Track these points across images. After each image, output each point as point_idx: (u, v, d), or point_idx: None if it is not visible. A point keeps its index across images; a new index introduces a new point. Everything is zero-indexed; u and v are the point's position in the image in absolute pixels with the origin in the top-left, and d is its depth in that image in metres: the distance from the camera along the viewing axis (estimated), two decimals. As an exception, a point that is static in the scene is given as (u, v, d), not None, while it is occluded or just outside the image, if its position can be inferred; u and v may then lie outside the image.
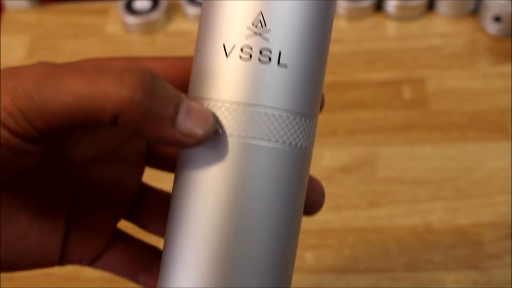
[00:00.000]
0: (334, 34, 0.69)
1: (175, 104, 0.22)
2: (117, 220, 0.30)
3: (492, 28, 0.60)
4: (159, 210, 0.29)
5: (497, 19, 0.60)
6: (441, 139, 0.54)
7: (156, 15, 0.64)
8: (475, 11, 0.62)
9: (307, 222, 0.50)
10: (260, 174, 0.23)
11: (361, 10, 0.63)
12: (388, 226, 0.49)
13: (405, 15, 0.63)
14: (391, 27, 0.63)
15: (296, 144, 0.24)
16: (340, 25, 0.63)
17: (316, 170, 0.54)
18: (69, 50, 0.63)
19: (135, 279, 0.30)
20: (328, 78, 0.59)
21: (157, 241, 0.30)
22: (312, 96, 0.24)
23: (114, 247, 0.30)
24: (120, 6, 0.65)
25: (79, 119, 0.22)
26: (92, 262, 0.29)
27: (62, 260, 0.28)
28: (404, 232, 0.49)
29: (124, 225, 0.30)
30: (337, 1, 0.62)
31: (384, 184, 0.52)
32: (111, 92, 0.21)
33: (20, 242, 0.26)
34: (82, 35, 0.65)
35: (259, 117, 0.23)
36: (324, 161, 0.53)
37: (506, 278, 0.46)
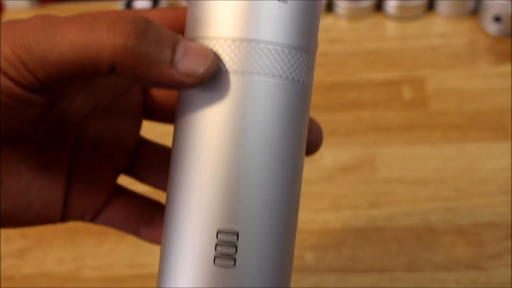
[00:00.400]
0: (334, 34, 0.69)
1: (172, 45, 0.22)
2: (117, 174, 0.30)
3: (492, 28, 0.60)
4: (158, 162, 0.30)
5: (497, 19, 0.60)
6: (441, 139, 0.54)
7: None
8: (475, 11, 0.62)
9: (307, 222, 0.50)
10: (263, 109, 0.23)
11: (361, 10, 0.63)
12: (388, 226, 0.49)
13: (405, 15, 0.63)
14: (391, 27, 0.63)
15: (298, 80, 0.24)
16: (340, 25, 0.63)
17: (316, 170, 0.54)
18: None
19: (136, 233, 0.30)
20: (328, 78, 0.59)
21: (156, 195, 0.30)
22: (311, 31, 0.25)
23: (115, 201, 0.30)
24: (120, 6, 0.65)
25: (78, 68, 0.22)
26: (93, 217, 0.30)
27: (64, 215, 0.29)
28: (404, 232, 0.49)
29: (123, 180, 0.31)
30: (340, 1, 0.62)
31: (384, 184, 0.52)
32: (105, 40, 0.22)
33: (23, 195, 0.27)
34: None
35: (261, 52, 0.23)
36: (324, 161, 0.53)
37: (506, 278, 0.46)
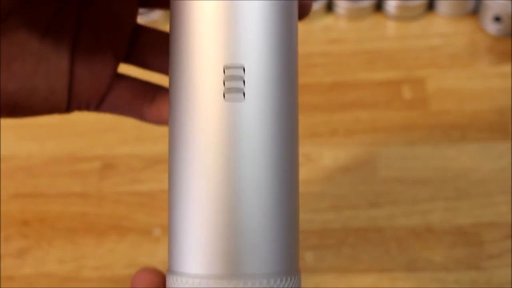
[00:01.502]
0: (334, 34, 0.69)
1: None
2: (118, 59, 0.31)
3: (492, 28, 0.60)
4: (157, 45, 0.30)
5: (497, 19, 0.60)
6: (441, 139, 0.54)
7: (155, 15, 0.64)
8: (475, 11, 0.62)
9: (307, 222, 0.50)
10: None
11: (361, 10, 0.63)
12: (388, 226, 0.49)
13: (405, 15, 0.63)
14: (391, 27, 0.63)
15: None
16: (340, 25, 0.63)
17: (316, 170, 0.54)
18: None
19: (140, 116, 0.31)
20: (328, 78, 0.59)
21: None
22: None
23: (117, 86, 0.31)
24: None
25: None
26: (98, 105, 0.30)
27: (70, 104, 0.29)
28: (404, 232, 0.49)
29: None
30: (340, 1, 0.62)
31: (384, 184, 0.52)
32: None
33: (28, 79, 0.27)
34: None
35: None
36: (324, 161, 0.53)
37: (506, 278, 0.46)
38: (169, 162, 0.26)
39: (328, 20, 0.64)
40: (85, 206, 0.52)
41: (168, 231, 0.26)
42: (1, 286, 0.49)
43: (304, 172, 0.53)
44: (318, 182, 0.52)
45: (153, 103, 0.31)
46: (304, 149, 0.54)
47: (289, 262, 0.25)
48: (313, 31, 0.63)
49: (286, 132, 0.24)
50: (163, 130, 0.63)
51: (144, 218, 0.51)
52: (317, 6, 0.63)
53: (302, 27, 0.66)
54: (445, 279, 0.46)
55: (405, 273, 0.47)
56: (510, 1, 0.58)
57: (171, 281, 0.25)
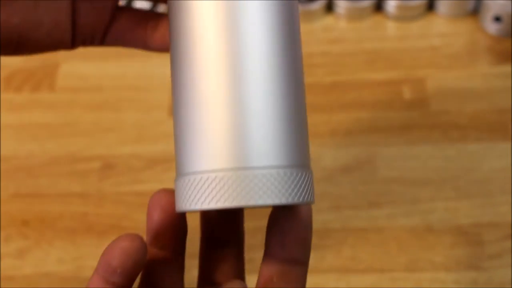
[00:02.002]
0: (334, 34, 0.69)
1: None
2: None
3: (492, 28, 0.60)
4: None
5: (497, 19, 0.60)
6: (441, 139, 0.54)
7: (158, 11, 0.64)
8: (475, 11, 0.62)
9: (307, 222, 0.50)
10: None
11: (361, 10, 0.63)
12: (388, 226, 0.49)
13: (405, 15, 0.63)
14: (391, 27, 0.63)
15: None
16: (340, 25, 0.63)
17: (316, 170, 0.54)
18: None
19: (144, 45, 0.31)
20: (328, 78, 0.59)
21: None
22: None
23: (120, 17, 0.31)
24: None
25: None
26: (102, 38, 0.30)
27: (74, 39, 0.30)
28: (404, 232, 0.49)
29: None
30: (340, 1, 0.62)
31: (384, 184, 0.52)
32: None
33: (32, 11, 0.27)
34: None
35: None
36: (324, 161, 0.53)
37: (506, 278, 0.46)
38: (172, 61, 0.26)
39: (328, 20, 0.64)
40: (85, 206, 0.52)
41: (174, 138, 0.25)
42: (1, 286, 0.49)
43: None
44: (318, 182, 0.52)
45: (156, 30, 0.31)
46: (304, 149, 0.54)
47: (300, 158, 0.24)
48: (313, 31, 0.63)
49: (288, 26, 0.25)
50: (163, 130, 0.63)
51: (144, 218, 0.51)
52: (317, 6, 0.63)
53: (302, 27, 0.66)
54: (445, 279, 0.46)
55: (405, 273, 0.47)
56: (510, 1, 0.58)
57: (181, 182, 0.24)
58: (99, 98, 0.59)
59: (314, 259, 0.48)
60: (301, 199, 0.24)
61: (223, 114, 0.23)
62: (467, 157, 0.53)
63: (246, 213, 0.31)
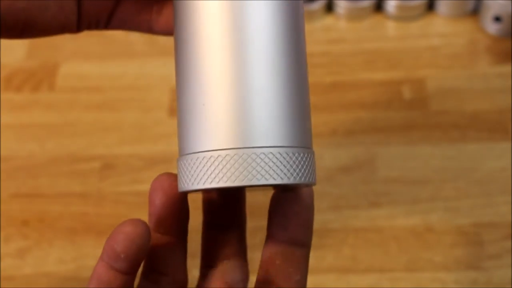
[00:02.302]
0: (334, 34, 0.69)
1: None
2: None
3: (492, 28, 0.60)
4: None
5: (497, 19, 0.60)
6: (441, 139, 0.54)
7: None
8: (475, 11, 0.62)
9: (307, 222, 0.50)
10: None
11: (361, 10, 0.63)
12: (388, 226, 0.49)
13: (405, 15, 0.63)
14: (391, 27, 0.63)
15: None
16: (340, 25, 0.63)
17: (316, 170, 0.54)
18: (69, 50, 0.63)
19: (149, 29, 0.31)
20: (328, 78, 0.59)
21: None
22: None
23: (125, 0, 0.30)
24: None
25: None
26: (107, 22, 0.31)
27: (80, 22, 0.30)
28: (404, 232, 0.49)
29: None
30: (340, 1, 0.62)
31: (384, 184, 0.52)
32: None
33: None
34: (82, 35, 0.65)
35: None
36: (324, 161, 0.53)
37: (506, 278, 0.46)
38: (177, 44, 0.26)
39: (328, 20, 0.64)
40: (85, 206, 0.52)
41: (177, 118, 0.25)
42: (1, 286, 0.49)
43: (304, 172, 0.53)
44: (318, 182, 0.52)
45: (161, 14, 0.30)
46: (304, 149, 0.54)
47: (302, 139, 0.24)
48: (313, 31, 0.63)
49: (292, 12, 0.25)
50: (163, 130, 0.63)
51: (144, 218, 0.51)
52: (317, 6, 0.62)
53: (302, 27, 0.66)
54: (445, 279, 0.46)
55: (405, 273, 0.47)
56: (510, 1, 0.58)
57: (183, 162, 0.24)
58: (99, 98, 0.59)
59: (314, 259, 0.48)
60: (302, 180, 0.24)
61: (226, 94, 0.24)
62: (467, 157, 0.53)
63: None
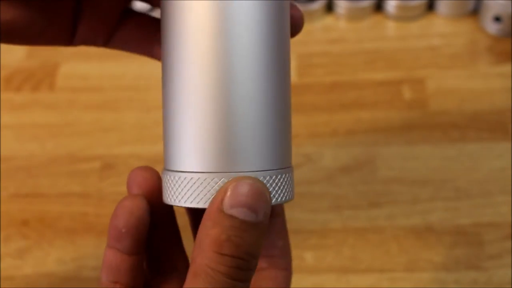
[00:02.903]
0: (334, 34, 0.69)
1: None
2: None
3: (492, 28, 0.60)
4: None
5: (497, 19, 0.60)
6: (441, 139, 0.54)
7: (156, 14, 0.64)
8: (475, 11, 0.62)
9: (307, 222, 0.50)
10: None
11: (361, 10, 0.63)
12: (388, 226, 0.49)
13: (405, 15, 0.63)
14: (391, 27, 0.63)
15: None
16: (340, 25, 0.63)
17: (316, 170, 0.54)
18: (69, 50, 0.63)
19: (149, 53, 0.31)
20: (328, 78, 0.59)
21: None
22: None
23: (127, 22, 0.30)
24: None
25: None
26: (106, 40, 0.30)
27: (75, 38, 0.29)
28: (404, 232, 0.49)
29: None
30: (340, 1, 0.62)
31: (384, 184, 0.52)
32: None
33: (21, 11, 0.26)
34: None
35: None
36: (324, 161, 0.53)
37: (506, 278, 0.46)
38: (163, 59, 0.26)
39: (328, 20, 0.64)
40: (85, 206, 0.52)
41: (163, 133, 0.26)
42: (1, 286, 0.49)
43: (304, 172, 0.53)
44: (318, 182, 0.52)
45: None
46: (304, 149, 0.54)
47: (280, 161, 0.25)
48: (313, 31, 0.63)
49: (276, 23, 0.25)
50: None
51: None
52: (317, 6, 0.62)
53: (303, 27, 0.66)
54: (445, 279, 0.46)
55: (405, 273, 0.47)
56: (510, 1, 0.58)
57: (167, 178, 0.25)
58: (99, 98, 0.59)
59: (314, 259, 0.48)
60: (279, 200, 0.25)
61: (207, 119, 0.24)
62: (467, 157, 0.53)
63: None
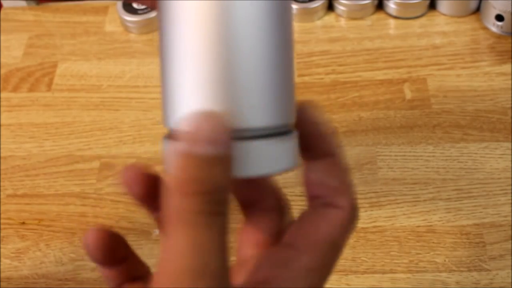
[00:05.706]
0: (335, 33, 0.69)
1: None
2: None
3: (494, 27, 0.60)
4: None
5: (500, 18, 0.59)
6: (442, 139, 0.54)
7: (155, 13, 0.64)
8: (477, 10, 0.62)
9: (307, 223, 0.50)
10: None
11: (362, 9, 0.62)
12: (389, 226, 0.49)
13: (406, 14, 0.62)
14: (392, 26, 0.62)
15: None
16: (341, 24, 0.63)
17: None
18: (68, 49, 0.63)
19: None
20: (328, 78, 0.59)
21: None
22: None
23: None
24: (119, 4, 0.64)
25: None
26: None
27: None
28: (406, 233, 0.49)
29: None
30: (341, 0, 0.62)
31: (385, 184, 0.51)
32: None
33: None
34: (80, 34, 0.65)
35: None
36: (325, 161, 0.53)
37: (508, 279, 0.46)
38: (161, 23, 0.25)
39: (329, 18, 0.63)
40: (84, 207, 0.52)
41: (161, 92, 0.26)
42: (1, 287, 0.49)
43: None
44: (318, 182, 0.52)
45: None
46: (305, 149, 0.53)
47: (285, 117, 0.25)
48: (314, 30, 0.62)
49: None
50: (162, 130, 0.62)
51: (144, 219, 0.51)
52: (317, 4, 0.62)
53: (303, 25, 0.66)
54: (447, 281, 0.46)
55: (406, 274, 0.47)
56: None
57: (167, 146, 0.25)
58: (97, 98, 0.59)
59: (314, 260, 0.48)
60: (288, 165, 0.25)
61: (212, 72, 0.24)
62: (469, 157, 0.52)
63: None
